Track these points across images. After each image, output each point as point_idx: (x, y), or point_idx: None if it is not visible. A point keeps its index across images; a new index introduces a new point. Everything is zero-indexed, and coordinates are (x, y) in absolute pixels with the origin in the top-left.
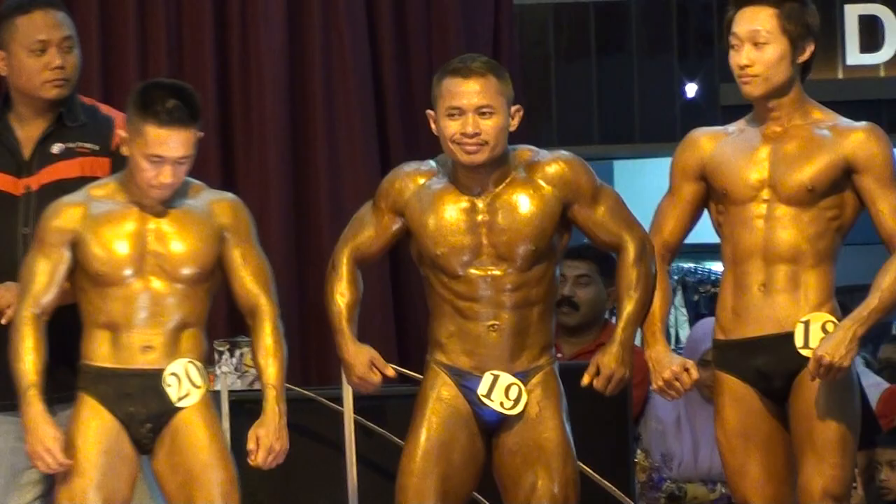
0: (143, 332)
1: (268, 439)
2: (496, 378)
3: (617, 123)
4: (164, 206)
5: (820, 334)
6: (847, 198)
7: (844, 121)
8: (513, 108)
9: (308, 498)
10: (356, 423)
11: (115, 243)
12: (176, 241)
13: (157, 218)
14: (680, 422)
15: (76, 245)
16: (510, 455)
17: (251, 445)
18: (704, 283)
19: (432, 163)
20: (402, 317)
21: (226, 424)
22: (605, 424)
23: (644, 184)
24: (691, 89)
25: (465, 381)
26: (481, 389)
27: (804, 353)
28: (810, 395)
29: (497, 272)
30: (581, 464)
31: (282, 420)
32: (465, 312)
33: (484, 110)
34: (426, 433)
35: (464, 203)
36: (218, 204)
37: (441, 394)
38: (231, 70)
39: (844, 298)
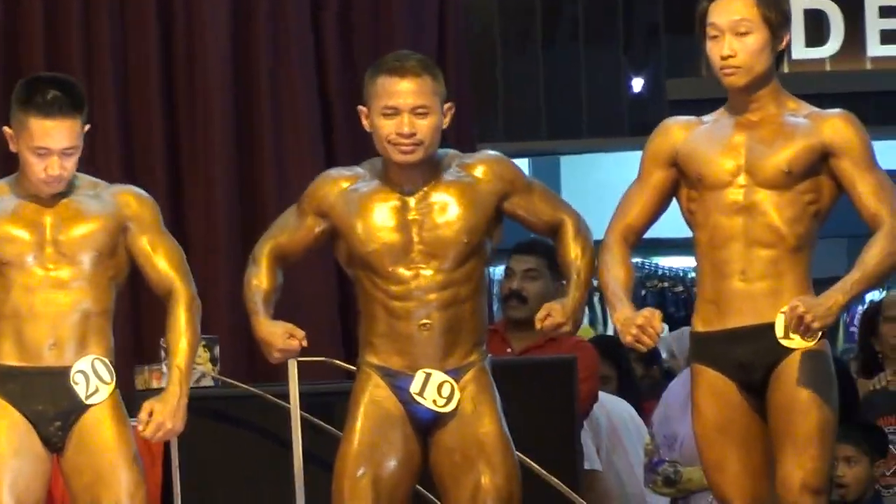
0: (48, 324)
1: (161, 416)
2: (428, 376)
3: (564, 118)
4: (62, 197)
5: None
6: (823, 182)
7: (819, 109)
8: (445, 106)
9: (255, 494)
10: (303, 419)
11: (14, 230)
12: (73, 225)
13: (54, 209)
14: (684, 405)
15: None
16: (448, 453)
17: (143, 416)
18: (651, 278)
19: (358, 168)
20: (347, 312)
21: None
22: (554, 418)
23: (591, 178)
24: (638, 84)
25: (397, 382)
26: (414, 388)
27: (785, 343)
28: (789, 387)
29: (427, 271)
30: (526, 458)
31: (181, 400)
32: (396, 312)
33: (419, 110)
34: (358, 435)
35: (394, 201)
36: (121, 195)
37: (373, 395)
38: (176, 67)
39: (822, 291)
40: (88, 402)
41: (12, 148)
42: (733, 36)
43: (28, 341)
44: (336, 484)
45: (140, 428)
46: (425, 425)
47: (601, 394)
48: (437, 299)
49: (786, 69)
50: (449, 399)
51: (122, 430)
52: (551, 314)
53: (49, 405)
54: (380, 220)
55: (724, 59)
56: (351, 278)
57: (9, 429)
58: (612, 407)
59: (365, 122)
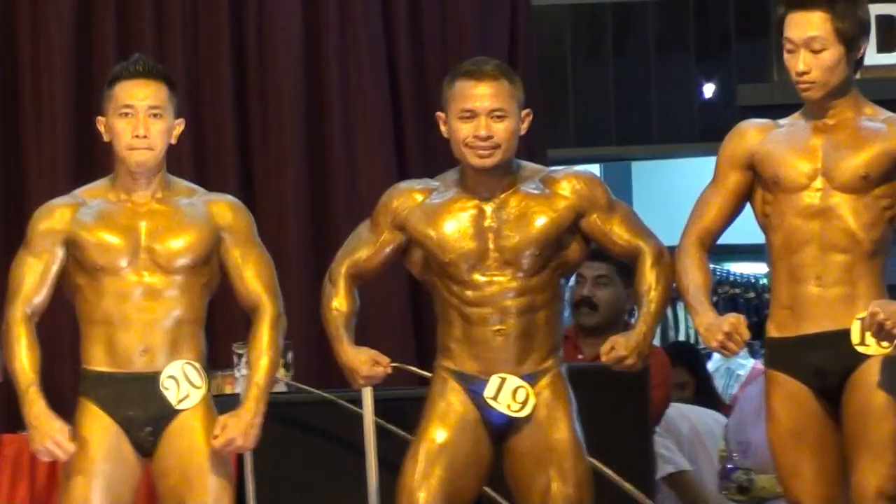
0: (140, 331)
1: (234, 432)
2: (503, 381)
3: (634, 124)
4: (156, 202)
5: None
6: None
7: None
8: (523, 113)
9: (329, 500)
10: (377, 425)
11: (108, 236)
12: (168, 234)
13: (149, 213)
14: (759, 411)
15: (69, 244)
16: (521, 458)
17: (216, 430)
18: (723, 284)
19: (430, 181)
20: (420, 320)
21: None
22: (626, 425)
23: (662, 184)
24: (709, 90)
25: (472, 386)
26: (488, 392)
27: (861, 350)
28: (865, 393)
29: (502, 278)
30: (600, 464)
31: (256, 419)
32: (471, 317)
33: (496, 113)
34: (430, 436)
35: (471, 209)
36: (215, 205)
37: (448, 399)
38: (248, 76)
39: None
40: (179, 406)
41: (105, 137)
42: (808, 52)
43: (119, 348)
44: (402, 480)
45: (212, 441)
46: (499, 430)
47: (683, 406)
48: (512, 306)
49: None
50: (524, 404)
51: (211, 434)
52: (615, 347)
53: (140, 411)
54: (457, 228)
55: (799, 74)
56: (427, 286)
57: (100, 434)
58: (696, 418)
59: (443, 128)
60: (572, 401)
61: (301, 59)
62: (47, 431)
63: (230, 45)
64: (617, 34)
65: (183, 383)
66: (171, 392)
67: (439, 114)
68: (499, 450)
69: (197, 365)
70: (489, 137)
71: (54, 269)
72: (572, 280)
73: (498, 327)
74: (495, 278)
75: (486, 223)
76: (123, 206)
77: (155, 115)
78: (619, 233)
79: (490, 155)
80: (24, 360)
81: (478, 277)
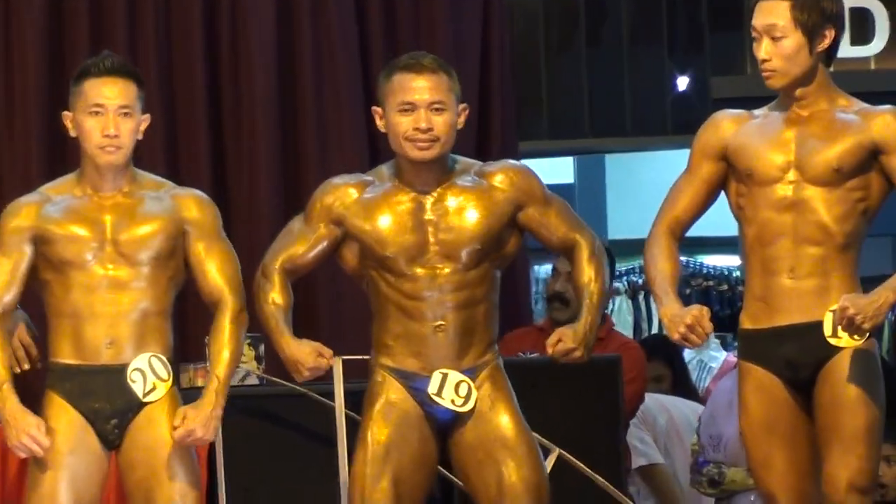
0: (106, 324)
1: (193, 423)
2: (445, 376)
3: (608, 117)
4: (122, 196)
5: None
6: (873, 179)
7: (869, 106)
8: (460, 107)
9: (300, 493)
10: (348, 418)
11: (74, 229)
12: (133, 226)
13: (114, 206)
14: (731, 404)
15: (37, 240)
16: (470, 450)
17: (176, 421)
18: (696, 277)
19: (363, 175)
20: None
21: None
22: (598, 417)
23: (635, 177)
24: (682, 82)
25: (413, 383)
26: (431, 388)
27: (832, 342)
28: (837, 385)
29: (443, 271)
30: (571, 456)
31: (215, 410)
32: (411, 313)
33: (436, 106)
34: (377, 437)
35: (409, 203)
36: (181, 199)
37: (389, 397)
38: (221, 71)
39: (869, 288)
40: (146, 399)
41: (72, 133)
42: (769, 40)
43: (86, 340)
44: (355, 486)
45: (171, 432)
46: (443, 426)
47: (663, 397)
48: (452, 300)
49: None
50: (467, 398)
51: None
52: (563, 339)
53: (106, 403)
54: (396, 221)
55: (761, 62)
56: (363, 282)
57: (66, 427)
58: (675, 409)
59: (380, 123)
60: (512, 391)
61: (274, 53)
62: (23, 427)
63: (203, 39)
64: (590, 26)
65: (149, 376)
66: (138, 385)
67: (375, 108)
68: (445, 445)
69: (164, 358)
70: (429, 130)
71: (23, 267)
72: (543, 274)
73: (439, 323)
74: (436, 271)
75: (426, 216)
76: (90, 200)
77: (125, 115)
78: (556, 224)
79: (429, 147)
80: None
81: (417, 270)
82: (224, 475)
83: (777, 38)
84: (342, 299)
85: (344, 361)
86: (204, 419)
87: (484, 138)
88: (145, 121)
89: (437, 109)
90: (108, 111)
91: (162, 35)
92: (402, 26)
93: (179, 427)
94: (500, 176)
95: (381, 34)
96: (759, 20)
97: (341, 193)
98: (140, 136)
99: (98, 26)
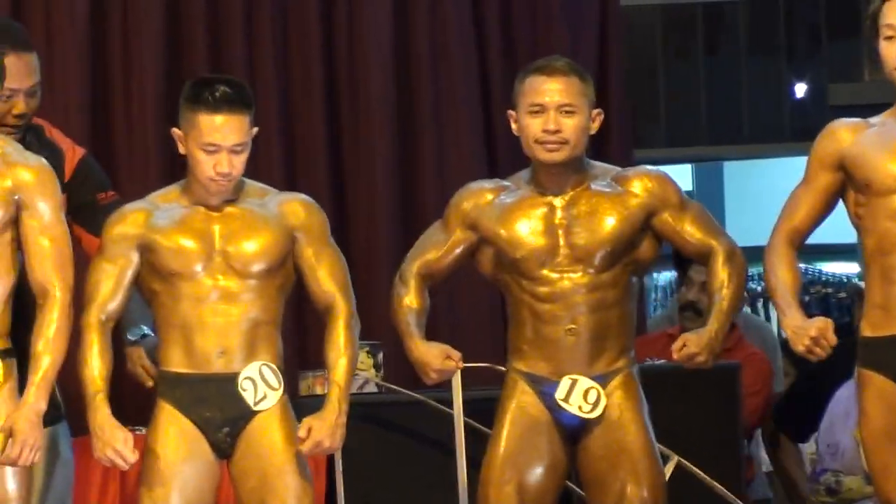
0: (216, 333)
1: (319, 433)
2: (574, 382)
3: (725, 124)
4: (230, 206)
5: None
6: None
7: None
8: (594, 112)
9: (420, 501)
10: (467, 425)
11: (182, 240)
12: (242, 238)
13: (222, 217)
14: (849, 413)
15: (143, 249)
16: (595, 460)
17: (302, 433)
18: (815, 284)
19: (502, 181)
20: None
21: None
22: (716, 423)
23: (753, 184)
24: (800, 89)
25: (543, 387)
26: (559, 394)
27: None
28: None
29: (573, 273)
30: (689, 464)
31: (339, 418)
32: (543, 316)
33: (566, 108)
34: (505, 442)
35: (541, 207)
36: (288, 204)
37: (520, 401)
38: (338, 77)
39: None
40: (256, 408)
41: (181, 150)
42: None
43: (196, 350)
44: (482, 491)
45: (298, 444)
46: (571, 432)
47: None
48: (583, 302)
49: None
50: (595, 405)
51: (289, 435)
52: (687, 344)
53: (217, 412)
54: (527, 224)
55: None
56: (499, 286)
57: (178, 435)
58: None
59: (514, 126)
60: (644, 402)
61: (391, 60)
62: (109, 440)
63: (320, 45)
64: (707, 34)
65: (260, 385)
66: (249, 393)
67: (511, 112)
68: (573, 450)
69: (274, 366)
70: (557, 131)
71: (129, 273)
72: (662, 282)
73: (570, 326)
74: (566, 274)
75: (557, 220)
76: (196, 210)
77: (237, 152)
78: (691, 231)
79: (558, 149)
80: (94, 367)
81: (549, 273)
82: (343, 483)
83: None
84: (460, 307)
85: (462, 368)
86: (329, 428)
87: (600, 147)
88: (253, 133)
89: (566, 112)
90: (221, 149)
91: (279, 43)
92: (519, 37)
93: (307, 439)
94: (636, 182)
95: (497, 45)
96: None
97: (477, 198)
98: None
99: (214, 31)
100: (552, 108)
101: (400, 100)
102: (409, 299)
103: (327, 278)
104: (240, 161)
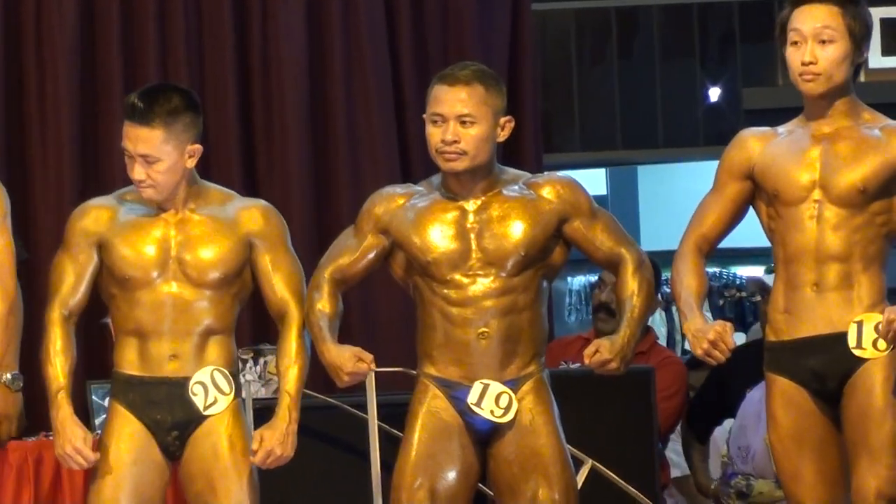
0: (170, 339)
1: (271, 442)
2: (486, 387)
3: (640, 128)
4: (189, 213)
5: (873, 335)
6: None
7: (893, 122)
8: (502, 119)
9: None
10: (380, 429)
11: (140, 246)
12: (199, 246)
13: (180, 223)
14: (760, 416)
15: (101, 248)
16: (506, 464)
17: (254, 445)
18: (729, 288)
19: (413, 185)
20: None
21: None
22: (631, 427)
23: (667, 188)
24: (714, 93)
25: (454, 392)
26: (471, 398)
27: (857, 353)
28: (864, 396)
29: (485, 278)
30: (604, 468)
31: (290, 426)
32: (455, 319)
33: (465, 119)
34: (416, 447)
35: (453, 211)
36: (246, 211)
37: (431, 406)
38: (252, 82)
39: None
40: (206, 412)
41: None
42: (816, 43)
43: (150, 354)
44: (393, 495)
45: (251, 457)
46: (483, 436)
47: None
48: (494, 306)
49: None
50: (506, 410)
51: (235, 438)
52: (599, 350)
53: (167, 414)
54: (438, 229)
55: (804, 65)
56: (410, 290)
57: (129, 437)
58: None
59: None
60: (555, 406)
61: (305, 68)
62: (69, 438)
63: (234, 53)
64: (621, 39)
65: (211, 389)
66: (199, 398)
67: (425, 116)
68: (485, 455)
69: (226, 371)
70: (455, 142)
71: (90, 268)
72: (577, 286)
73: (482, 330)
74: (478, 278)
75: (469, 224)
76: (156, 214)
77: (149, 162)
78: (602, 239)
79: (457, 159)
80: (57, 364)
81: (460, 277)
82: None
83: (826, 42)
84: (375, 312)
85: (375, 373)
86: (281, 437)
87: (510, 151)
88: (192, 151)
89: (465, 122)
90: (134, 157)
91: (193, 48)
92: (432, 42)
93: (259, 450)
94: (548, 188)
95: (410, 49)
96: (805, 23)
97: (388, 202)
98: (190, 165)
99: (129, 32)
100: (451, 118)
101: (314, 111)
102: (322, 304)
103: (283, 285)
104: (156, 172)
